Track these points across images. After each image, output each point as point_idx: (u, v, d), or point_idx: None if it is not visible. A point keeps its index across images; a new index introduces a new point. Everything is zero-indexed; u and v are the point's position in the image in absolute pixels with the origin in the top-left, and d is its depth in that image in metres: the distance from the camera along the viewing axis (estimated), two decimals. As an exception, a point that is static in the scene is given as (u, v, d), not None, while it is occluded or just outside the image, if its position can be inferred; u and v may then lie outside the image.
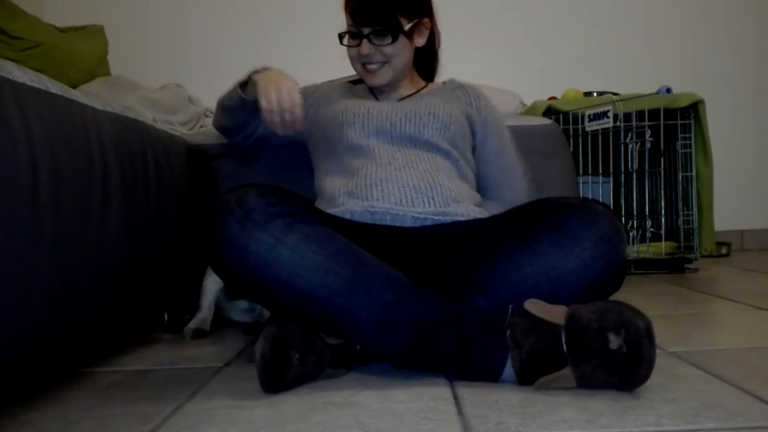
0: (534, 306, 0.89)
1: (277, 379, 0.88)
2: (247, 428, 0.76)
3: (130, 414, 0.83)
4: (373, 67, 1.27)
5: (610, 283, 0.99)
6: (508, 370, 0.88)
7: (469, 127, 1.31)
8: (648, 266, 2.23)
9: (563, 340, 0.84)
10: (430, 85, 1.41)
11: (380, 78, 1.28)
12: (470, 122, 1.32)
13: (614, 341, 0.81)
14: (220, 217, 0.92)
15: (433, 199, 1.15)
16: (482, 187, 1.33)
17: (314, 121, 1.35)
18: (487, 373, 0.89)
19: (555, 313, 0.87)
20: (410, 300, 0.93)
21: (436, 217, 1.13)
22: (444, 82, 1.41)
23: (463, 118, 1.30)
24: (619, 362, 0.81)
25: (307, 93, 1.37)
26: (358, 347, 0.98)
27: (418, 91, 1.37)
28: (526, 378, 0.87)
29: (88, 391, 0.95)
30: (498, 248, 1.01)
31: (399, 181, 1.15)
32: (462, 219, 1.15)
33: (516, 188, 1.35)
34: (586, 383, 0.84)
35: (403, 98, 1.34)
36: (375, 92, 1.36)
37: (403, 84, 1.35)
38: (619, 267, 0.98)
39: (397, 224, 1.13)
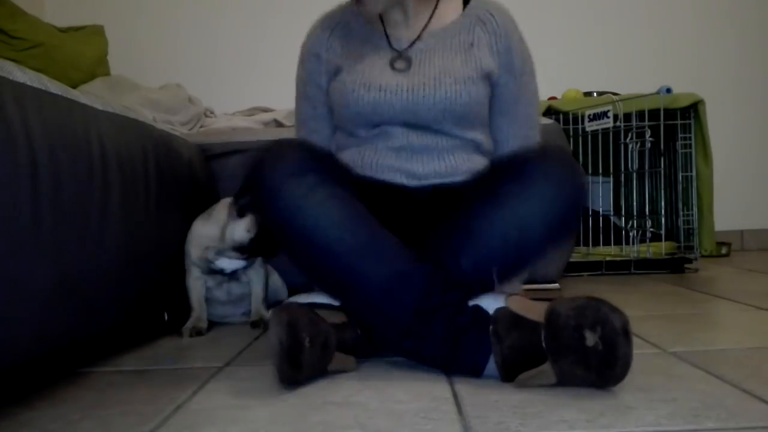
0: (516, 303, 0.92)
1: (295, 362, 0.89)
2: (247, 428, 0.76)
3: (129, 414, 0.83)
4: None
5: (572, 220, 1.03)
6: (491, 366, 0.90)
7: (488, 84, 1.18)
8: (648, 266, 2.23)
9: (542, 337, 0.87)
10: (448, 4, 1.21)
11: (371, 3, 1.11)
12: (491, 78, 1.18)
13: (590, 338, 0.83)
14: (261, 165, 0.99)
15: (442, 176, 1.16)
16: (494, 140, 1.25)
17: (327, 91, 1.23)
18: (471, 368, 0.92)
19: (536, 311, 0.90)
20: (418, 273, 0.97)
21: (437, 180, 1.17)
22: (464, 10, 1.21)
23: (482, 86, 1.16)
24: (595, 359, 0.83)
25: (313, 68, 1.23)
26: (359, 331, 1.00)
27: (433, 14, 1.19)
28: (508, 374, 0.89)
29: (88, 391, 0.94)
30: (470, 209, 1.04)
31: (410, 168, 1.16)
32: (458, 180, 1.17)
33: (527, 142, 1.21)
34: (566, 379, 0.86)
35: (418, 38, 1.17)
36: (385, 25, 1.20)
37: (417, 2, 1.17)
38: (579, 202, 1.02)
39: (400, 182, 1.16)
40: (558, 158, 1.02)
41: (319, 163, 1.00)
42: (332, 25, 1.23)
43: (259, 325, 1.39)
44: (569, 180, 1.01)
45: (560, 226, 1.01)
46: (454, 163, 1.16)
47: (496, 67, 1.18)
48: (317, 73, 1.23)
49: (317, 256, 0.98)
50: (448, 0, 1.22)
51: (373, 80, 1.14)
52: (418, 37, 1.18)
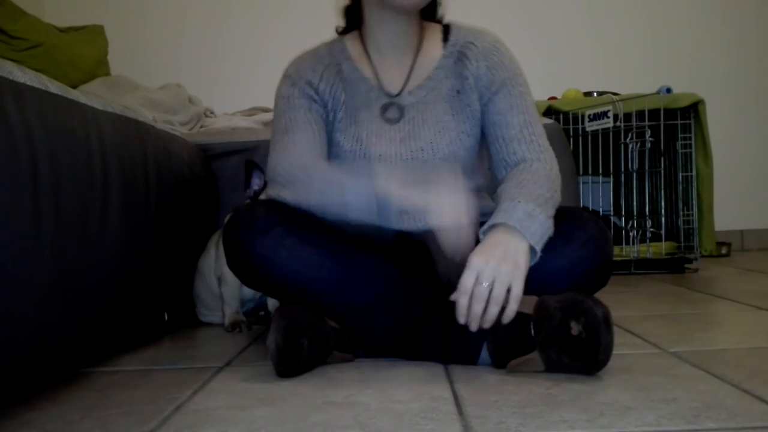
0: None
1: (292, 364, 0.96)
2: (247, 428, 0.76)
3: (129, 414, 0.83)
4: None
5: (597, 279, 1.05)
6: (484, 354, 0.98)
7: (479, 124, 1.15)
8: (648, 266, 2.23)
9: (531, 327, 0.93)
10: (431, 37, 1.18)
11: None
12: (481, 113, 1.15)
13: (575, 328, 0.89)
14: (233, 226, 1.04)
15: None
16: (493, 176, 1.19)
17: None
18: (467, 356, 0.99)
19: (526, 303, 0.94)
20: (398, 291, 1.02)
21: None
22: (445, 44, 1.17)
23: (476, 132, 1.14)
24: (580, 347, 0.89)
25: (315, 106, 1.16)
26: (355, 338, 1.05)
27: (418, 52, 1.16)
28: (500, 360, 0.96)
29: (88, 391, 0.94)
30: None
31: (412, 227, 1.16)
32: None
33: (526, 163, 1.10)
34: (553, 366, 0.92)
35: (408, 80, 1.15)
36: (375, 65, 1.16)
37: (412, 27, 1.14)
38: (605, 265, 1.05)
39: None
40: (592, 221, 1.05)
41: (285, 215, 1.03)
42: (324, 62, 1.17)
43: (237, 327, 1.36)
44: (601, 242, 1.03)
45: (584, 282, 1.02)
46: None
47: (479, 98, 1.14)
48: (307, 97, 1.15)
49: (299, 295, 1.03)
50: (428, 28, 1.19)
51: (371, 148, 1.12)
52: (408, 80, 1.15)
